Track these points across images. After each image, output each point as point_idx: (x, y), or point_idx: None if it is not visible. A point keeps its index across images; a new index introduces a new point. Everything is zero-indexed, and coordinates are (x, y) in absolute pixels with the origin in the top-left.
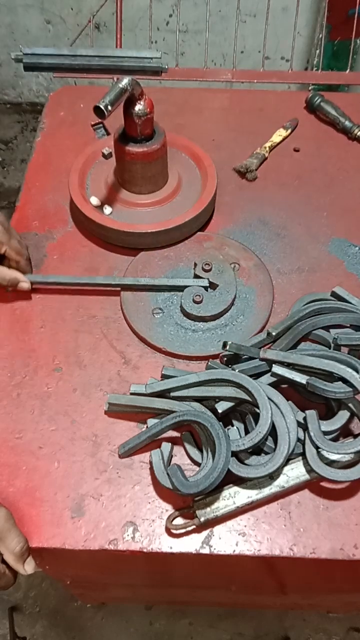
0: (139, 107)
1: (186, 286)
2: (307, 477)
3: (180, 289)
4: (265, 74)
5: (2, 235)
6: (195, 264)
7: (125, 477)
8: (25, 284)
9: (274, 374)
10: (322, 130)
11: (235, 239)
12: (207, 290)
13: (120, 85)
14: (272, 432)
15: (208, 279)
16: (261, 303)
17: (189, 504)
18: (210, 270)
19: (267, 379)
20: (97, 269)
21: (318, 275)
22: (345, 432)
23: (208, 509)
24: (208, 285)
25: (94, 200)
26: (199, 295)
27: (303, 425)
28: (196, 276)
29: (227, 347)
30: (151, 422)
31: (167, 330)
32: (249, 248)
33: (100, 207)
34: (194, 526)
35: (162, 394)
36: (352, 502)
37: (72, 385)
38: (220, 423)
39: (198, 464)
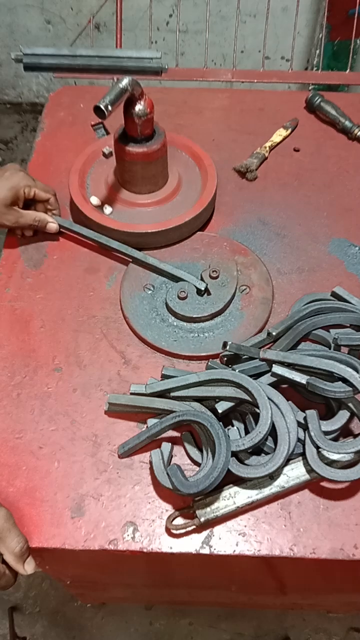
0: (139, 107)
1: (184, 280)
2: (307, 477)
3: (178, 280)
4: (265, 74)
5: (28, 179)
6: (209, 267)
7: (125, 477)
8: (53, 225)
9: (274, 374)
10: (322, 130)
11: (236, 239)
12: (199, 294)
13: (121, 86)
14: (272, 432)
15: (207, 284)
16: (239, 332)
17: (189, 504)
18: (215, 278)
19: (267, 379)
20: (97, 269)
21: (318, 275)
22: (345, 432)
23: (208, 509)
24: (202, 289)
25: (94, 200)
26: (184, 292)
27: (303, 425)
28: (201, 278)
29: (227, 347)
30: (151, 422)
31: (142, 307)
32: (273, 283)
33: (100, 207)
34: (194, 526)
35: (162, 394)
36: (352, 502)
37: (72, 385)
38: (220, 423)
39: (198, 464)
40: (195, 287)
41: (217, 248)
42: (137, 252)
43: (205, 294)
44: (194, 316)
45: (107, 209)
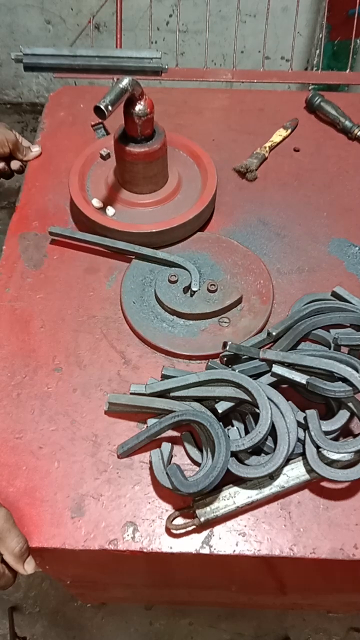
0: (139, 107)
1: (187, 271)
2: (307, 477)
3: (184, 269)
4: (265, 74)
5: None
6: (220, 280)
7: (125, 477)
8: (35, 147)
9: (274, 374)
10: (322, 130)
11: (235, 239)
12: (187, 292)
13: (121, 86)
14: (272, 432)
15: (199, 288)
16: (170, 341)
17: (189, 504)
18: (210, 292)
19: (267, 379)
20: (97, 269)
21: (318, 275)
22: (345, 432)
23: (208, 508)
24: (194, 290)
25: (96, 202)
26: (175, 276)
27: (303, 425)
28: (202, 283)
29: (227, 347)
30: (151, 422)
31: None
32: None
33: (102, 209)
34: (194, 526)
35: (162, 394)
36: (352, 502)
37: (72, 385)
38: (220, 423)
39: (198, 464)
40: (190, 282)
41: (252, 278)
42: (146, 249)
43: (192, 293)
44: (160, 298)
45: (110, 210)
